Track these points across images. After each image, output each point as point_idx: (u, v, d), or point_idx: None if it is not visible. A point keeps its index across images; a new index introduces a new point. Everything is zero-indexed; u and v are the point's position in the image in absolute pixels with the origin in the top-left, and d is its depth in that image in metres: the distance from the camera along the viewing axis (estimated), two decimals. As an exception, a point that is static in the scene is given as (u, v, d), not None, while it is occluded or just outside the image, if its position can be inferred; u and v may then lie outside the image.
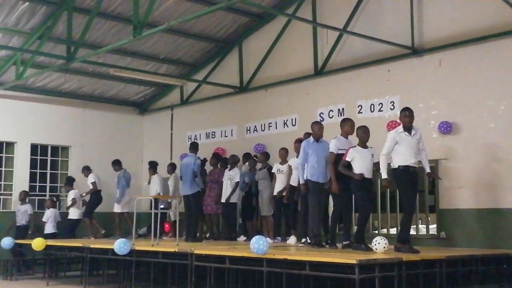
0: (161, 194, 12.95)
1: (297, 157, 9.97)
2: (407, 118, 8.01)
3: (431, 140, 9.85)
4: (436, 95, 10.34)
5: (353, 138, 8.79)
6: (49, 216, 13.52)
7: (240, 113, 13.85)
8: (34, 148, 14.64)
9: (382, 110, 11.02)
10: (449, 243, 9.75)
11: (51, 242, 11.51)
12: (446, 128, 10.00)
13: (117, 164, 13.60)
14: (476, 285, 7.81)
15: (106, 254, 10.09)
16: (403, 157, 7.90)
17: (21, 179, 14.28)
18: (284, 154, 10.92)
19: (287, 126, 12.70)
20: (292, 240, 10.24)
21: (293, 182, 10.16)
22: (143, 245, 9.70)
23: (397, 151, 7.95)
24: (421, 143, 8.11)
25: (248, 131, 13.60)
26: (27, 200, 13.66)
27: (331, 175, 8.68)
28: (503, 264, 8.29)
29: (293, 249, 8.86)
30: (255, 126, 13.43)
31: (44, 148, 14.85)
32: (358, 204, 8.46)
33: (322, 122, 11.08)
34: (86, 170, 13.71)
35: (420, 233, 10.63)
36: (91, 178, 13.47)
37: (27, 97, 14.49)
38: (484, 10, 9.90)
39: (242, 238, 11.58)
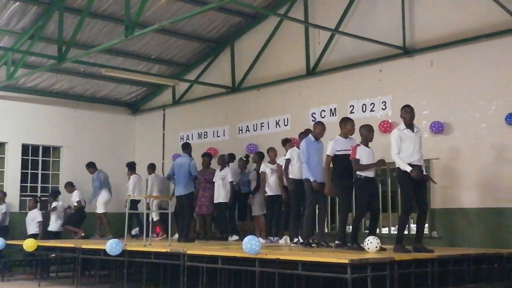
0: (136, 194, 13.19)
1: (285, 155, 10.03)
2: (408, 114, 7.98)
3: (423, 140, 9.83)
4: (427, 95, 10.38)
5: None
6: (30, 217, 13.35)
7: (232, 113, 13.84)
8: (25, 148, 14.57)
9: (373, 110, 11.05)
10: (441, 243, 9.79)
11: (42, 242, 11.46)
12: (438, 128, 10.04)
13: (91, 166, 13.75)
14: (467, 285, 7.83)
15: (98, 255, 10.05)
16: (406, 154, 7.85)
17: (12, 179, 14.21)
18: (273, 155, 10.96)
19: (279, 126, 12.71)
20: (284, 240, 10.25)
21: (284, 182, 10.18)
22: (135, 246, 9.67)
23: (401, 148, 7.89)
24: (420, 142, 8.06)
25: (241, 131, 13.59)
26: (5, 200, 13.48)
27: (325, 177, 8.73)
28: (494, 263, 8.32)
29: (286, 249, 8.85)
30: (247, 126, 13.43)
31: (35, 148, 14.79)
32: (357, 204, 8.47)
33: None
34: (70, 186, 13.77)
35: (412, 233, 10.64)
36: (75, 197, 13.52)
37: (18, 97, 14.43)
38: (475, 10, 9.95)
39: (234, 237, 11.57)
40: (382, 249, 7.75)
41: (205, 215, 12.22)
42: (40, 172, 14.82)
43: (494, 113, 9.52)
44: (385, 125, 10.60)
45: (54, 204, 13.53)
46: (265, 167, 10.97)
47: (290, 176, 9.59)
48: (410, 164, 7.79)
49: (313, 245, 8.83)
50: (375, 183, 8.59)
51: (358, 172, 8.30)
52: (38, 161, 14.82)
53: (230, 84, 13.83)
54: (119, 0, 11.34)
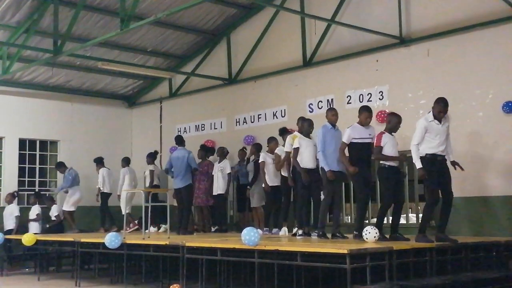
0: (101, 187, 13.39)
1: (283, 145, 9.98)
2: (438, 110, 7.68)
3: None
4: (424, 84, 10.37)
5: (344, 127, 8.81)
6: (8, 212, 13.22)
7: (229, 105, 13.83)
8: (22, 143, 14.56)
9: (371, 100, 11.04)
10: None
11: (41, 237, 11.47)
12: (435, 117, 10.03)
13: (61, 166, 13.78)
14: (466, 273, 7.86)
15: (97, 248, 10.07)
16: (431, 145, 7.68)
17: (10, 174, 14.21)
18: (274, 144, 10.89)
19: (276, 118, 12.70)
20: (283, 231, 10.25)
21: (284, 172, 10.14)
22: (134, 239, 9.69)
23: (425, 139, 7.71)
24: (448, 129, 7.88)
25: (238, 123, 13.59)
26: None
27: (343, 161, 8.51)
28: (492, 251, 8.35)
29: (285, 240, 8.88)
30: (245, 118, 13.42)
31: (32, 142, 14.77)
32: (383, 193, 8.30)
33: (312, 113, 11.19)
34: (50, 201, 13.77)
35: (410, 222, 10.70)
36: (54, 211, 13.50)
37: (14, 91, 14.39)
38: (471, -1, 9.94)
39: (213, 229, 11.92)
40: (384, 239, 7.79)
41: (201, 207, 12.24)
42: (37, 166, 14.82)
43: (491, 101, 9.53)
44: (383, 115, 10.59)
45: (37, 211, 13.32)
46: (265, 156, 10.77)
47: (301, 165, 9.15)
48: (433, 154, 7.65)
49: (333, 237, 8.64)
50: (399, 173, 8.39)
51: (381, 161, 8.15)
52: (36, 155, 14.81)
53: (226, 76, 13.81)
54: (114, -7, 11.31)
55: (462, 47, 9.96)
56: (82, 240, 10.32)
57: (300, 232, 9.23)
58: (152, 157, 13.47)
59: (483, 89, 9.65)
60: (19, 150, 14.46)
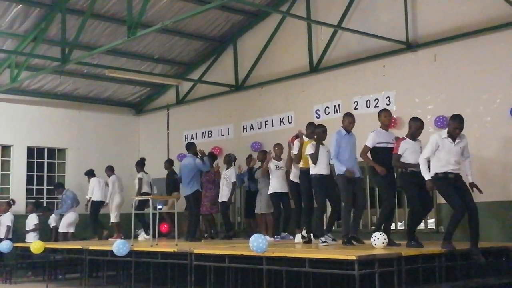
0: (90, 196, 13.48)
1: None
2: (453, 128, 7.55)
3: (427, 135, 9.78)
4: (431, 89, 10.35)
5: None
6: (2, 221, 13.10)
7: (236, 111, 13.84)
8: (30, 151, 14.61)
9: (378, 106, 10.99)
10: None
11: (49, 244, 11.49)
12: (443, 122, 9.99)
13: (59, 187, 13.80)
14: (475, 279, 7.82)
15: (105, 256, 10.07)
16: (441, 164, 7.54)
17: (18, 182, 14.27)
18: (279, 151, 10.89)
19: (284, 124, 12.70)
20: (298, 238, 10.18)
21: (295, 178, 10.09)
22: (142, 246, 9.69)
23: (436, 156, 7.59)
24: (466, 151, 7.71)
25: (245, 130, 13.59)
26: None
27: (369, 163, 8.37)
28: (502, 257, 8.30)
29: (293, 247, 8.85)
30: (252, 124, 13.43)
31: (40, 150, 14.83)
32: (409, 199, 8.15)
33: (319, 119, 11.16)
34: (48, 210, 13.74)
35: (419, 228, 10.60)
36: (52, 221, 13.52)
37: (22, 100, 14.47)
38: (478, 3, 9.91)
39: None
40: (394, 244, 7.74)
41: (207, 215, 12.24)
42: (45, 174, 14.86)
43: (499, 106, 9.49)
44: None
45: (36, 221, 13.31)
46: (270, 163, 10.76)
47: (315, 171, 9.02)
48: (444, 173, 7.50)
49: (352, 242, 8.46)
50: (423, 178, 7.93)
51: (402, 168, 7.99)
52: (44, 163, 14.86)
53: (233, 83, 13.83)
54: (121, 1, 11.35)
55: (469, 52, 9.93)
56: (90, 247, 10.33)
57: (323, 239, 8.91)
58: (140, 165, 13.52)
59: (490, 94, 9.61)
60: (27, 158, 14.52)
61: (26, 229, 13.27)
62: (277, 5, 12.79)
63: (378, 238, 7.57)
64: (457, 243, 8.11)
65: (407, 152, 7.99)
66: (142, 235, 12.88)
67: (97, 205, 13.54)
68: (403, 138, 8.12)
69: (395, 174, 8.45)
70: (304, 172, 9.43)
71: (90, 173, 13.84)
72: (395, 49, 10.85)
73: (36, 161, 14.71)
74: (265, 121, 13.12)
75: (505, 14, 9.47)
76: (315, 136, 9.18)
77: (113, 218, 13.33)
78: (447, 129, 7.68)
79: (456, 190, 7.54)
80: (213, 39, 14.00)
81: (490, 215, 9.44)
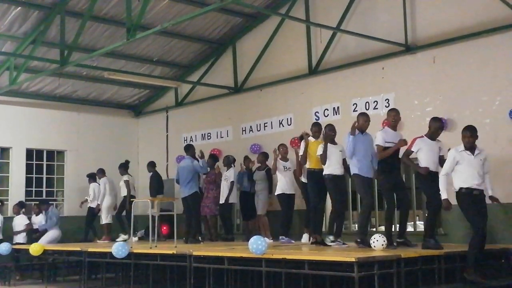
0: (89, 199, 13.65)
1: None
2: (466, 138, 7.47)
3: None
4: (430, 92, 10.36)
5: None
6: None
7: (236, 113, 13.85)
8: (29, 153, 14.60)
9: (377, 108, 11.03)
10: (447, 239, 9.75)
11: (49, 246, 11.48)
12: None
13: (44, 203, 13.59)
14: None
15: (104, 258, 10.07)
16: (464, 178, 7.39)
17: (17, 184, 14.25)
18: (284, 151, 10.85)
19: (283, 126, 12.71)
20: (304, 238, 10.14)
21: (303, 178, 10.04)
22: (141, 248, 9.69)
23: (457, 171, 7.45)
24: (486, 165, 7.58)
25: (244, 132, 13.60)
26: None
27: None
28: (501, 258, 8.30)
29: (292, 249, 8.85)
30: (251, 127, 13.43)
31: (39, 152, 14.82)
32: (428, 198, 8.06)
33: (318, 121, 11.15)
34: (18, 206, 13.61)
35: (418, 230, 10.65)
36: (25, 220, 13.39)
37: (21, 102, 14.46)
38: (477, 6, 9.93)
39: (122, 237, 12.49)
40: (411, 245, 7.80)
41: (207, 216, 12.23)
42: (44, 176, 14.85)
43: (498, 108, 9.50)
44: (388, 124, 10.55)
45: (26, 221, 13.25)
46: (277, 163, 10.68)
47: (328, 172, 8.99)
48: (468, 189, 7.37)
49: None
50: (435, 176, 7.84)
51: (419, 166, 7.90)
52: (43, 165, 14.85)
53: (232, 85, 13.84)
54: (121, 3, 11.35)
55: (468, 54, 9.94)
56: (90, 249, 10.33)
57: (331, 238, 8.93)
58: (124, 167, 13.54)
59: (490, 96, 9.62)
60: (26, 160, 14.50)
61: (14, 230, 13.17)
62: (276, 7, 12.80)
63: (377, 240, 7.58)
64: (456, 245, 8.16)
65: (423, 151, 7.94)
66: (122, 237, 12.76)
67: (92, 211, 13.59)
68: (421, 136, 8.08)
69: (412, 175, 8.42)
70: (311, 173, 9.41)
71: (91, 176, 13.84)
72: (394, 51, 10.86)
73: (35, 163, 14.70)
74: (264, 123, 13.13)
75: (503, 16, 9.48)
76: (322, 136, 9.17)
77: (104, 220, 13.38)
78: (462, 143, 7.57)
79: (477, 207, 7.42)
80: (212, 41, 14.01)
81: (489, 217, 9.43)
